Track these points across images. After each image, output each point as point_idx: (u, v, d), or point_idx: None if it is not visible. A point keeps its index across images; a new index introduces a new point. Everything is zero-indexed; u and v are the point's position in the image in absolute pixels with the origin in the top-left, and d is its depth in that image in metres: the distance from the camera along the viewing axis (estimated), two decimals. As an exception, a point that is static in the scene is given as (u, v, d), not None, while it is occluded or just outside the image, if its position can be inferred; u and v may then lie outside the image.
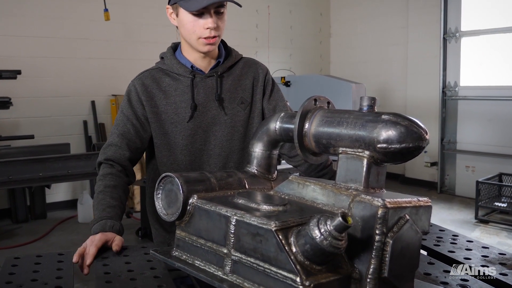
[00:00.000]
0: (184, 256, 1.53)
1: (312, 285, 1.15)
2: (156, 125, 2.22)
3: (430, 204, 1.36)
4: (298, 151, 1.53)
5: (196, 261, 1.48)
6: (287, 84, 7.97)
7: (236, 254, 1.33)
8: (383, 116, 1.32)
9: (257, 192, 1.57)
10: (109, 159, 2.16)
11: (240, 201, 1.42)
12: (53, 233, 6.33)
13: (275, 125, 1.71)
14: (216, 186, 1.58)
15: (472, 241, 2.00)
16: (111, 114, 7.50)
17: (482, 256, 1.82)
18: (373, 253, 1.22)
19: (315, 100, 1.56)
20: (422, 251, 1.89)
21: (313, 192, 1.44)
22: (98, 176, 2.15)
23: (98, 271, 1.65)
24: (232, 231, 1.34)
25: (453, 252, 1.87)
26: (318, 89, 7.43)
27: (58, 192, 7.32)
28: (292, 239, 1.21)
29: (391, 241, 1.22)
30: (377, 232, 1.21)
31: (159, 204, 1.58)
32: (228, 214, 1.35)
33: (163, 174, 1.56)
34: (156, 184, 1.58)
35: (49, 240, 6.07)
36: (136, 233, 6.02)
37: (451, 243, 1.98)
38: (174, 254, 1.56)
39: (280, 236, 1.21)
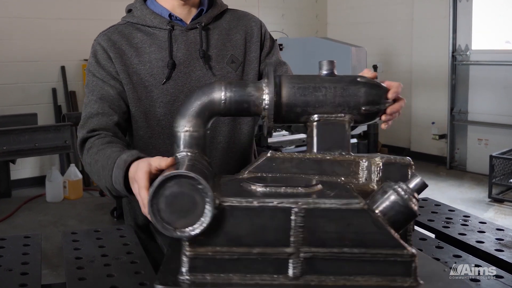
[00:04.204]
0: (209, 277, 1.28)
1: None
2: (129, 87, 1.98)
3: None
4: (270, 124, 1.48)
5: (233, 280, 1.28)
6: (279, 47, 7.90)
7: (308, 250, 1.26)
8: (358, 79, 1.50)
9: (266, 176, 1.45)
10: (94, 130, 1.90)
11: (268, 190, 1.31)
12: (18, 214, 6.33)
13: (221, 95, 1.50)
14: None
15: (485, 223, 2.01)
16: (83, 81, 7.40)
17: (496, 239, 1.82)
18: None
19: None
20: (430, 234, 1.90)
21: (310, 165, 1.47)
22: (84, 152, 1.87)
23: (68, 256, 1.64)
24: (301, 224, 1.25)
25: (464, 234, 1.87)
26: (314, 53, 7.37)
27: (24, 168, 7.28)
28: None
29: None
30: None
31: (157, 218, 1.25)
32: (288, 206, 1.25)
33: (161, 178, 1.25)
34: (150, 194, 1.25)
35: (14, 221, 6.08)
36: (111, 213, 6.03)
37: (462, 224, 1.99)
38: (191, 280, 1.28)
39: (373, 213, 1.26)
